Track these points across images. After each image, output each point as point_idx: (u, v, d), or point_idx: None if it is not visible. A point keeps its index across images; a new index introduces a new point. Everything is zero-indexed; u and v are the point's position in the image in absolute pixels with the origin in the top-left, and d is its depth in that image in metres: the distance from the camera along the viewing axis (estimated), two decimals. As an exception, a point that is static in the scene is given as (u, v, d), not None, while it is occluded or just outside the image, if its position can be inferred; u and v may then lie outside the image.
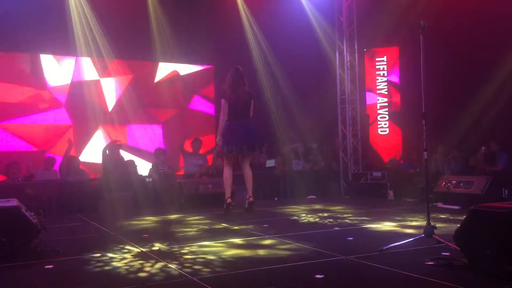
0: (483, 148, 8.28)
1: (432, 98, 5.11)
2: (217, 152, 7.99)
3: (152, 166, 8.58)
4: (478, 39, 8.65)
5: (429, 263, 3.37)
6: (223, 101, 6.55)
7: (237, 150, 6.53)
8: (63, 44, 9.06)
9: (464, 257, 3.25)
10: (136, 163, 8.57)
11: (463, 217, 3.34)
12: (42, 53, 9.29)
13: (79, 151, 9.45)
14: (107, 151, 8.09)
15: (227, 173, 6.63)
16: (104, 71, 9.81)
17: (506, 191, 7.13)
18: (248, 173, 6.67)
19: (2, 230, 3.80)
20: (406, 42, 9.77)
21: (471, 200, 5.75)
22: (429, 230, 3.92)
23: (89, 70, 9.70)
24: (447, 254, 3.58)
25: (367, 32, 10.13)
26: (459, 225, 3.35)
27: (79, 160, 8.51)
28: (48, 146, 9.29)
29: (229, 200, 6.53)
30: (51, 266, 3.62)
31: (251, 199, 6.54)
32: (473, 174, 7.93)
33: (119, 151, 8.48)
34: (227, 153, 6.57)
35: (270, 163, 9.31)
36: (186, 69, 10.74)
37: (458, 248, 3.36)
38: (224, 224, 5.53)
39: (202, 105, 10.93)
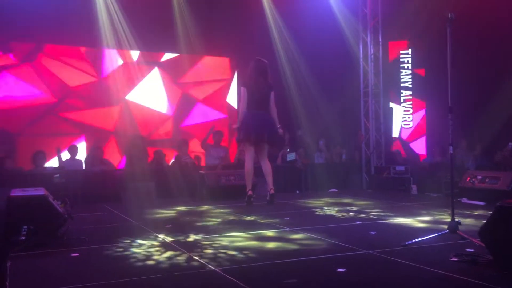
0: (510, 144, 8.11)
1: (458, 92, 5.03)
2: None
3: (175, 157, 8.67)
4: (508, 31, 8.46)
5: (453, 259, 3.33)
6: (242, 89, 6.56)
7: (255, 138, 6.49)
8: (90, 36, 9.19)
9: (489, 253, 3.21)
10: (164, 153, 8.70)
11: (488, 213, 3.30)
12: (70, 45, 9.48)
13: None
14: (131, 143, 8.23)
15: (248, 165, 6.65)
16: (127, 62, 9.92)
17: (533, 188, 6.99)
18: (267, 165, 6.66)
19: (30, 218, 3.90)
20: (432, 34, 9.60)
21: (497, 196, 5.65)
22: (453, 225, 3.88)
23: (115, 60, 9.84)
24: (472, 250, 3.54)
25: (392, 24, 9.99)
26: (484, 221, 3.30)
27: (103, 151, 8.65)
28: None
29: (250, 192, 6.56)
30: (77, 254, 3.70)
31: (272, 191, 6.55)
32: (499, 170, 7.79)
33: (141, 141, 8.58)
34: (244, 140, 6.56)
35: (291, 156, 9.30)
36: (208, 61, 10.78)
37: (483, 244, 3.31)
38: (246, 217, 5.56)
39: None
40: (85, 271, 3.29)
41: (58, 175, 7.44)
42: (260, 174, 6.97)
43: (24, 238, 3.80)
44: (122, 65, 9.92)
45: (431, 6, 8.73)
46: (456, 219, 3.94)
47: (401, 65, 10.69)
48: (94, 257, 3.67)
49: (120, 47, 9.48)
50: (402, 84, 10.65)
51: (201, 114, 10.64)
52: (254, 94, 6.48)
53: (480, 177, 7.07)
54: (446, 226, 3.97)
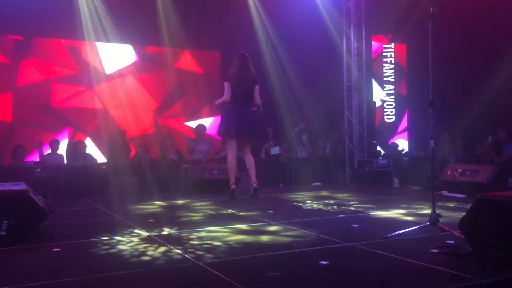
0: (490, 137, 8.24)
1: (439, 86, 5.09)
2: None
3: (160, 152, 8.63)
4: (488, 27, 8.58)
5: (433, 251, 3.38)
6: (226, 83, 6.52)
7: (235, 133, 6.49)
8: (71, 29, 9.06)
9: (469, 245, 3.26)
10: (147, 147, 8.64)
11: (468, 206, 3.35)
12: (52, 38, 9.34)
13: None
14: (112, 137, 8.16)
15: (231, 159, 6.65)
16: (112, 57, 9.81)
17: (513, 180, 7.12)
18: (250, 159, 6.69)
19: (11, 213, 3.84)
20: (414, 29, 9.69)
21: (477, 189, 5.75)
22: (434, 218, 3.94)
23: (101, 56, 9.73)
24: (452, 242, 3.59)
25: (375, 19, 10.05)
26: (464, 214, 3.35)
27: (86, 145, 8.56)
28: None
29: (233, 186, 6.56)
30: (58, 249, 3.66)
31: (255, 185, 6.57)
32: (479, 163, 7.91)
33: (125, 136, 8.52)
34: (224, 135, 6.59)
35: (275, 150, 9.32)
36: (191, 55, 10.72)
37: (463, 236, 3.37)
38: (229, 210, 5.57)
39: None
40: (66, 266, 3.26)
41: (39, 169, 7.36)
42: (244, 168, 6.98)
43: (4, 233, 3.75)
44: (106, 57, 9.79)
45: (413, 0, 8.81)
46: (437, 212, 4.00)
47: (384, 59, 10.77)
48: (75, 252, 3.64)
49: (101, 40, 9.36)
50: (385, 79, 10.73)
51: (185, 109, 10.58)
52: (237, 89, 6.47)
53: (460, 170, 7.18)
54: (427, 219, 4.02)
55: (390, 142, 10.34)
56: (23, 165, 7.55)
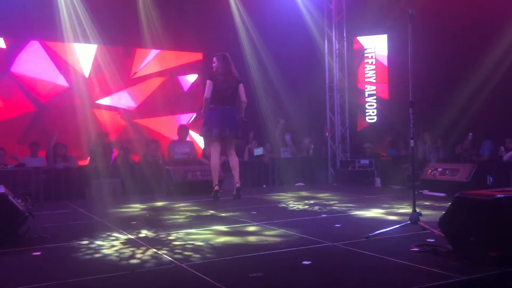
0: (470, 134, 8.35)
1: (420, 86, 5.15)
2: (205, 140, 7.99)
3: (142, 156, 8.58)
4: (466, 28, 8.71)
5: (414, 249, 3.42)
6: (208, 81, 6.47)
7: (217, 134, 6.45)
8: (50, 30, 8.94)
9: (449, 243, 3.31)
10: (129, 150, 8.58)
11: (448, 204, 3.39)
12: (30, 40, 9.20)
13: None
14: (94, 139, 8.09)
15: (214, 160, 6.63)
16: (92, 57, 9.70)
17: (491, 179, 7.25)
18: (234, 160, 6.69)
19: (-11, 217, 3.78)
20: (395, 30, 9.80)
21: (457, 188, 5.81)
22: (414, 217, 3.99)
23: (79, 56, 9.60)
24: (432, 240, 3.64)
25: (356, 20, 10.13)
26: (444, 212, 3.40)
27: (66, 147, 8.44)
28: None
29: (216, 188, 6.55)
30: (39, 253, 3.61)
31: (238, 185, 6.57)
32: (459, 162, 8.03)
33: (107, 138, 8.44)
34: (207, 136, 6.59)
35: (258, 151, 9.32)
36: (173, 56, 10.66)
37: (442, 234, 3.41)
38: (212, 211, 5.56)
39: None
40: (47, 270, 3.22)
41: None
42: (227, 169, 6.97)
43: (-18, 237, 3.69)
44: (85, 59, 9.67)
45: (394, 1, 8.90)
46: (418, 211, 4.05)
47: (365, 60, 10.85)
48: (56, 256, 3.59)
49: (82, 41, 9.25)
50: (366, 79, 10.82)
51: (167, 109, 10.51)
52: (220, 89, 6.45)
53: (440, 169, 7.28)
54: (408, 218, 4.07)
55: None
56: (2, 168, 7.42)
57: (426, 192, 7.12)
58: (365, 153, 9.64)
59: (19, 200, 4.19)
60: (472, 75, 8.52)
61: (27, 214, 4.05)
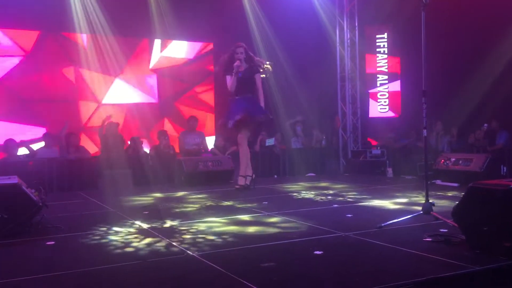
0: (485, 125, 8.25)
1: (433, 75, 5.09)
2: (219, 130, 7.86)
3: (152, 147, 8.63)
4: (481, 17, 8.57)
5: (427, 239, 3.40)
6: (227, 77, 6.33)
7: (239, 121, 6.18)
8: (62, 21, 8.96)
9: (462, 233, 3.28)
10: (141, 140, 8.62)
11: (461, 195, 3.36)
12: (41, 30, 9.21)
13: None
14: (104, 129, 8.13)
15: (242, 151, 6.39)
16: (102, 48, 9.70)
17: (505, 169, 7.18)
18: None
19: (4, 207, 3.83)
20: (408, 18, 9.67)
21: (470, 178, 5.76)
22: (427, 207, 3.96)
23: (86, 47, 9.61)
24: (445, 230, 3.62)
25: (368, 8, 10.02)
26: (457, 202, 3.37)
27: (79, 138, 8.51)
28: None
29: (245, 181, 6.33)
30: (52, 243, 3.66)
31: (251, 175, 6.46)
32: (472, 152, 7.95)
33: (116, 128, 8.47)
34: (231, 127, 6.33)
35: (270, 141, 9.31)
36: (185, 46, 10.63)
37: (456, 224, 3.39)
38: (224, 202, 5.57)
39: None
40: (61, 259, 3.25)
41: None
42: (236, 160, 6.90)
43: (-3, 227, 3.74)
44: (98, 51, 9.66)
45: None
46: (430, 201, 4.02)
47: (377, 50, 10.75)
48: (70, 245, 3.63)
49: (94, 32, 9.26)
50: (378, 69, 10.72)
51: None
52: (240, 79, 6.29)
53: (453, 159, 7.21)
54: (420, 208, 4.04)
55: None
56: (15, 159, 7.50)
57: (439, 182, 7.06)
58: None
59: (33, 190, 4.23)
60: (488, 65, 8.39)
61: (40, 204, 4.10)
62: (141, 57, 10.17)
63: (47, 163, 7.47)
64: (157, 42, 10.24)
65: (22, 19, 8.75)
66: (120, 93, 9.87)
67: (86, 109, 9.55)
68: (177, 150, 8.79)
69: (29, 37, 9.16)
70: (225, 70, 6.43)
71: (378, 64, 10.70)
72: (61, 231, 4.01)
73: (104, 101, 9.70)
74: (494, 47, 8.37)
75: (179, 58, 10.50)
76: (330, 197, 5.82)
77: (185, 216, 4.64)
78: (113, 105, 9.75)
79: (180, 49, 10.54)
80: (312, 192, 6.27)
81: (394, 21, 10.41)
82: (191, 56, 10.63)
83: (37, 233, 3.93)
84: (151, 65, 10.21)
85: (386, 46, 10.70)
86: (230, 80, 6.32)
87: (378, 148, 9.31)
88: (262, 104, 6.47)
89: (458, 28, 8.91)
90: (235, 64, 6.26)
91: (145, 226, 4.18)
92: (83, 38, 9.45)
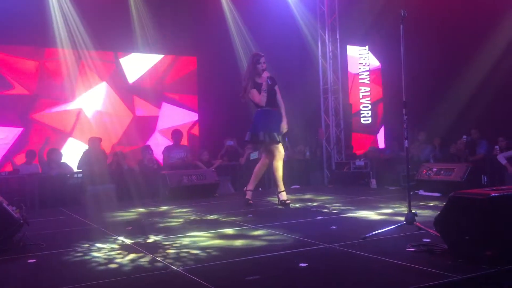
0: (464, 137, 8.39)
1: (413, 87, 5.17)
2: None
3: (138, 161, 8.57)
4: (459, 29, 8.76)
5: (410, 249, 3.43)
6: (253, 91, 6.17)
7: (263, 137, 6.19)
8: (42, 36, 8.91)
9: (444, 243, 3.32)
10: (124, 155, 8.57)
11: (443, 204, 3.40)
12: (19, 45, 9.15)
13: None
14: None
15: (260, 164, 6.43)
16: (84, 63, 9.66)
17: (486, 178, 7.27)
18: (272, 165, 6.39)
19: (-17, 225, 3.76)
20: (387, 31, 9.84)
21: (451, 187, 5.82)
22: (410, 217, 3.99)
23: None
24: (428, 240, 3.65)
25: (349, 22, 10.16)
26: (439, 212, 3.41)
27: (61, 153, 8.42)
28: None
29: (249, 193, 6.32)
30: (34, 260, 3.60)
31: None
32: (454, 162, 8.05)
33: (99, 144, 8.41)
34: (253, 141, 6.29)
35: (254, 155, 9.32)
36: (167, 60, 10.64)
37: (438, 234, 3.42)
38: (209, 216, 5.54)
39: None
40: (43, 277, 3.20)
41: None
42: (221, 173, 6.91)
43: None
44: (79, 65, 9.62)
45: (386, 2, 8.94)
46: (413, 211, 4.05)
47: (359, 62, 10.89)
48: (52, 263, 3.57)
49: (75, 47, 9.23)
50: (360, 81, 10.85)
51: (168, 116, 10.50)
52: (262, 92, 6.20)
53: (435, 169, 7.28)
54: (403, 218, 4.08)
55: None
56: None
57: (421, 192, 7.12)
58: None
59: (14, 208, 4.16)
60: (468, 75, 8.56)
61: (21, 221, 4.03)
62: (123, 72, 10.17)
63: (28, 180, 7.37)
64: (138, 56, 10.24)
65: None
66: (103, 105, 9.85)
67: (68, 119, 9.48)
68: (161, 164, 8.75)
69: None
70: (252, 84, 6.21)
71: (360, 76, 10.82)
72: (43, 248, 3.95)
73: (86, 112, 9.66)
74: (474, 57, 8.55)
75: (160, 71, 10.51)
76: (314, 209, 5.83)
77: (169, 231, 4.61)
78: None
79: (160, 62, 10.54)
80: (296, 204, 6.28)
81: (375, 33, 10.59)
82: (172, 69, 10.65)
83: (19, 251, 3.87)
84: (131, 80, 10.21)
85: (368, 58, 10.85)
86: (257, 94, 6.19)
87: (362, 159, 9.38)
88: (284, 115, 6.38)
89: (438, 39, 9.09)
90: (265, 77, 6.16)
91: (128, 241, 4.14)
92: (64, 53, 9.40)
